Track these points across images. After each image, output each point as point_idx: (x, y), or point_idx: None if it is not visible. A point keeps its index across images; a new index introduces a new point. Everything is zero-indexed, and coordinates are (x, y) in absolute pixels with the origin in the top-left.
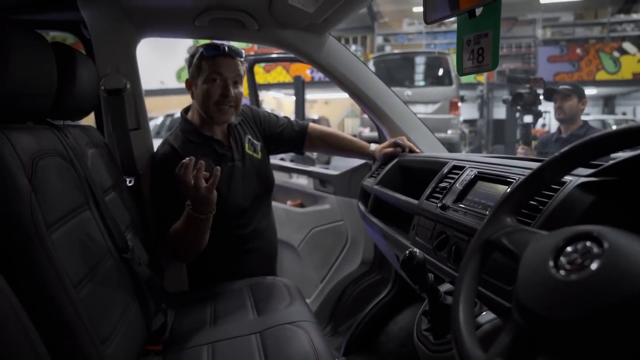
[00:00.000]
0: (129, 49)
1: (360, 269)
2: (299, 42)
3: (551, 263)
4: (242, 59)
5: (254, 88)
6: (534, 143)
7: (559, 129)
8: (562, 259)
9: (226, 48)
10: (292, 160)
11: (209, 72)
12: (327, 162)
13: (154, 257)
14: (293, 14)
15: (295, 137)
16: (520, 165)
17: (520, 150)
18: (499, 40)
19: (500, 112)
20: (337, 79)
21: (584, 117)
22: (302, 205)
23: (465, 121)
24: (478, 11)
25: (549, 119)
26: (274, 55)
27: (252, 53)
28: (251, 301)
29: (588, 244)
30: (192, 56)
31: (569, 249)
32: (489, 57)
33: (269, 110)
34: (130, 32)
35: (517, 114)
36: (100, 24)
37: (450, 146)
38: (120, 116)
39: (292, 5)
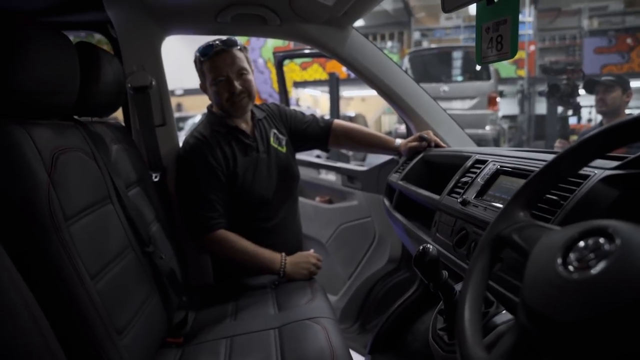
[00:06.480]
0: (154, 46)
1: (387, 266)
2: (322, 36)
3: (559, 260)
4: (238, 47)
5: (283, 84)
6: (573, 137)
7: (600, 123)
8: (572, 256)
9: (219, 43)
10: (328, 158)
11: (211, 75)
12: (363, 159)
13: (179, 251)
14: (314, 7)
15: (320, 133)
16: (545, 159)
17: (558, 144)
18: (518, 26)
19: (542, 107)
20: (361, 72)
21: (632, 111)
22: (330, 202)
23: (505, 117)
24: None
25: (594, 113)
26: (306, 51)
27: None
28: (273, 296)
29: (601, 240)
30: (194, 62)
31: (580, 244)
32: (508, 44)
33: (305, 108)
34: (154, 30)
35: (560, 108)
36: (126, 23)
37: (488, 142)
38: (146, 113)
39: None
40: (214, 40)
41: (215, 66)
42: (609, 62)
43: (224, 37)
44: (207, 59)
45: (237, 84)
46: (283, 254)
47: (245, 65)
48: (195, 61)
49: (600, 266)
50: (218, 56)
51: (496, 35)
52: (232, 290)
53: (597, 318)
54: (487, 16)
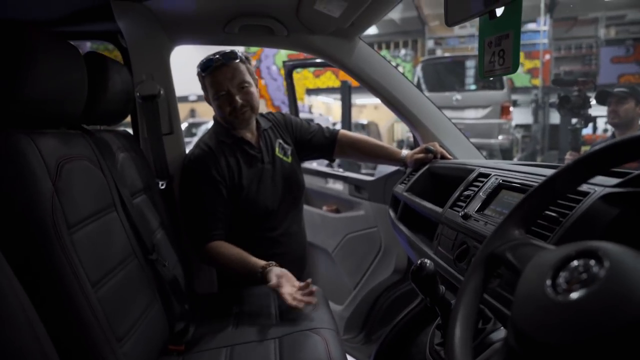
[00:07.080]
0: (163, 56)
1: (393, 277)
2: (329, 47)
3: (549, 281)
4: (238, 60)
5: (293, 94)
6: (585, 148)
7: (613, 134)
8: (561, 277)
9: (219, 57)
10: (339, 166)
11: (212, 90)
12: (374, 167)
13: (184, 259)
14: (320, 19)
15: (325, 143)
16: (547, 174)
17: (569, 156)
18: (520, 41)
19: (556, 116)
20: (368, 83)
21: None
22: (337, 211)
23: (519, 126)
24: (499, 12)
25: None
26: (317, 60)
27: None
28: (275, 306)
29: (592, 262)
30: (197, 75)
31: (572, 265)
32: (510, 59)
33: (318, 115)
34: (163, 40)
35: (574, 119)
36: (136, 33)
37: (501, 152)
38: (154, 121)
39: (318, 10)
40: (215, 54)
41: (215, 81)
42: (626, 71)
43: (227, 49)
44: (207, 74)
45: (238, 97)
46: (271, 265)
47: (247, 77)
48: (197, 75)
49: (583, 291)
50: (218, 71)
51: (498, 49)
52: (235, 299)
53: (578, 342)
54: (490, 30)
